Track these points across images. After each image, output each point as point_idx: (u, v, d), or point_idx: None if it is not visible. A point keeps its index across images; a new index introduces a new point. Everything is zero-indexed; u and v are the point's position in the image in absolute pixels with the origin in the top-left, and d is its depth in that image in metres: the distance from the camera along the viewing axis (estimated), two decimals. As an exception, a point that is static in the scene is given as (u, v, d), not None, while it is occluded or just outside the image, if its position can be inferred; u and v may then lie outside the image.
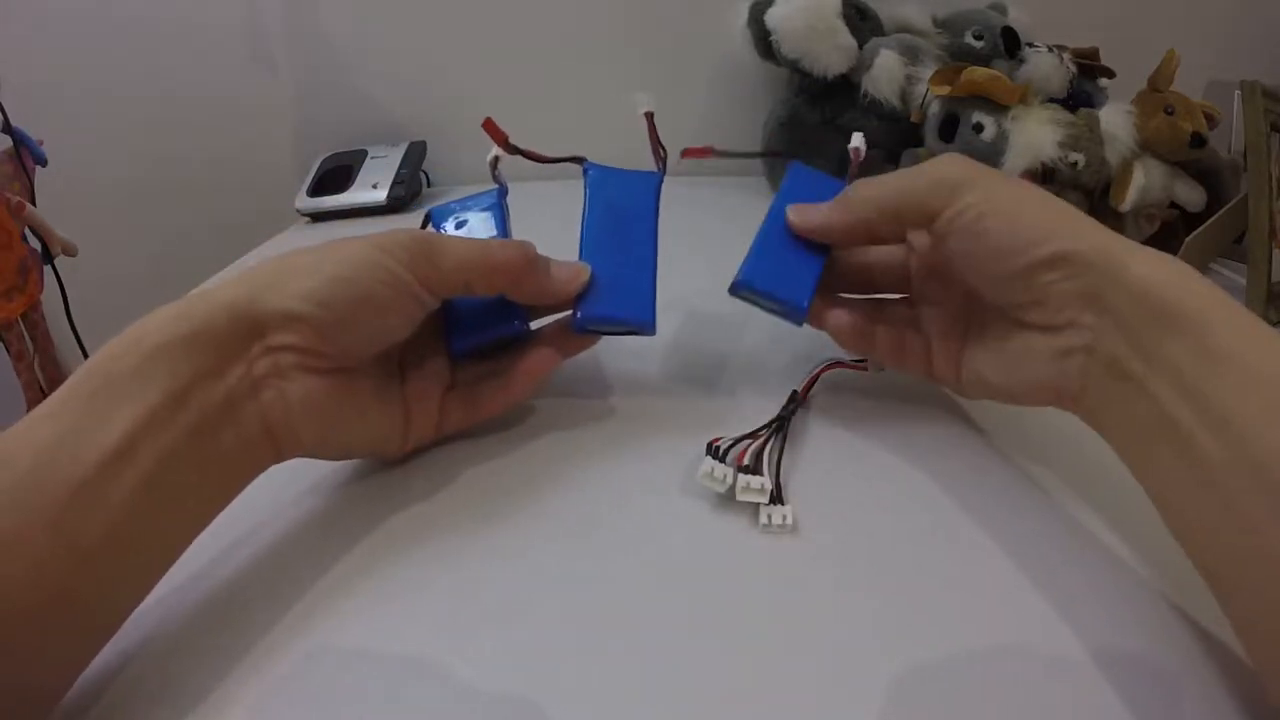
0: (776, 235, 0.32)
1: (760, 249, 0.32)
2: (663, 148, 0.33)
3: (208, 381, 0.23)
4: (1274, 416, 0.19)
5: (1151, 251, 0.24)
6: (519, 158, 0.33)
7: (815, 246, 0.32)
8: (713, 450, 0.28)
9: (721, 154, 0.32)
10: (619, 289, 0.31)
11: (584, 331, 0.31)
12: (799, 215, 0.31)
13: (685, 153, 0.32)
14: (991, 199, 0.26)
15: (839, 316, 0.31)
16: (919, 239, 0.32)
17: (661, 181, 0.33)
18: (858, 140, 0.34)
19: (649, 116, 0.33)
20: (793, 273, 0.31)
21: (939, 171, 0.28)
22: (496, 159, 0.32)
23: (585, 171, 0.33)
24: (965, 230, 0.27)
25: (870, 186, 0.30)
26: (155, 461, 0.21)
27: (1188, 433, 0.21)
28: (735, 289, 0.32)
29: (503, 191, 0.34)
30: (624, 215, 0.32)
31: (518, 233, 0.33)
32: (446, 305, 0.32)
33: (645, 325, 0.31)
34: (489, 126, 0.31)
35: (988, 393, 0.30)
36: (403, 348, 0.30)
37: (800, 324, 0.32)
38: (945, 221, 0.27)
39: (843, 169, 0.35)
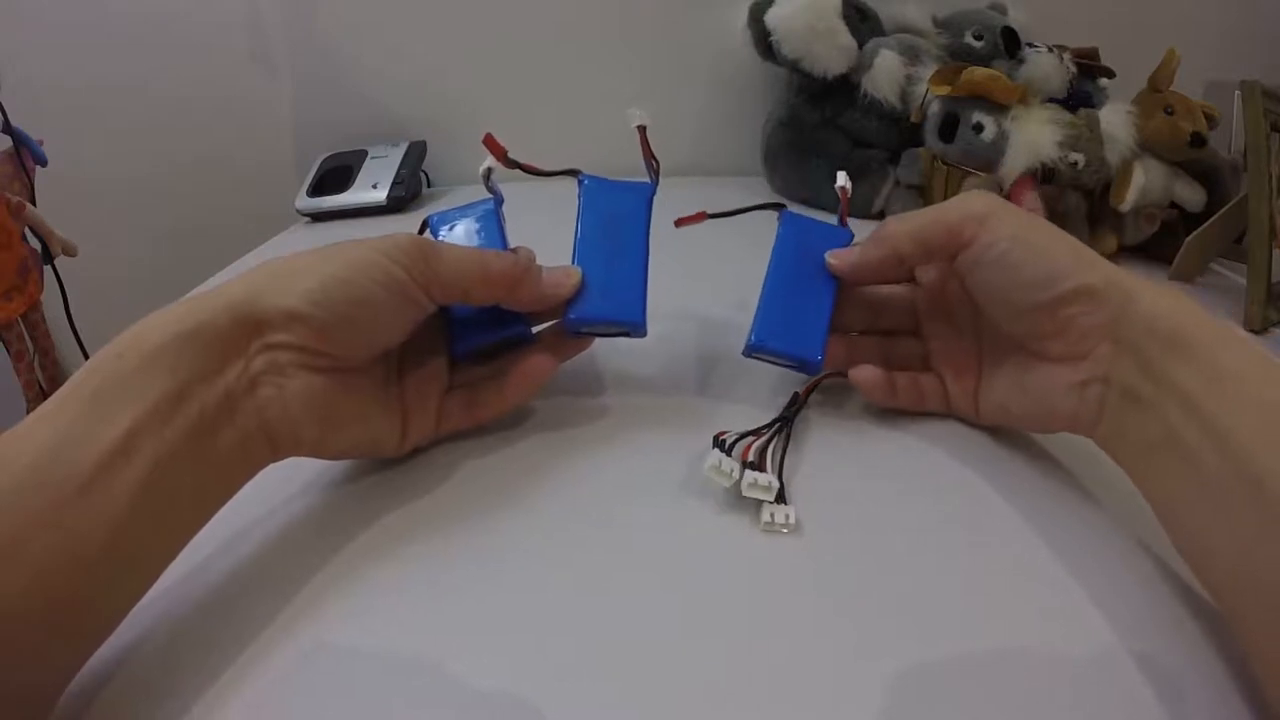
0: (780, 290, 0.32)
1: (767, 307, 0.32)
2: (655, 159, 0.34)
3: (207, 380, 0.23)
4: (1269, 436, 0.21)
5: (1153, 284, 0.25)
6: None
7: (821, 295, 0.32)
8: (719, 443, 0.28)
9: (715, 215, 0.33)
10: (610, 290, 0.31)
11: (575, 332, 0.32)
12: (836, 259, 0.32)
13: (679, 222, 0.33)
14: (1017, 233, 0.28)
15: (865, 373, 0.32)
16: (926, 275, 0.33)
17: (654, 192, 0.34)
18: (843, 179, 0.35)
19: (642, 130, 0.33)
20: (803, 327, 0.32)
21: (969, 205, 0.29)
22: (490, 170, 0.33)
23: (580, 182, 0.34)
24: (996, 262, 0.28)
25: (903, 221, 0.31)
26: (154, 461, 0.21)
27: (1192, 449, 0.22)
28: (749, 351, 0.32)
29: (499, 200, 0.34)
30: (617, 223, 0.33)
31: (513, 233, 0.33)
32: (448, 308, 0.32)
33: (635, 325, 0.31)
34: (489, 142, 0.32)
35: (1008, 422, 0.31)
36: (401, 350, 0.31)
37: (816, 374, 0.32)
38: (976, 252, 0.28)
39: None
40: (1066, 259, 0.27)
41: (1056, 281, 0.26)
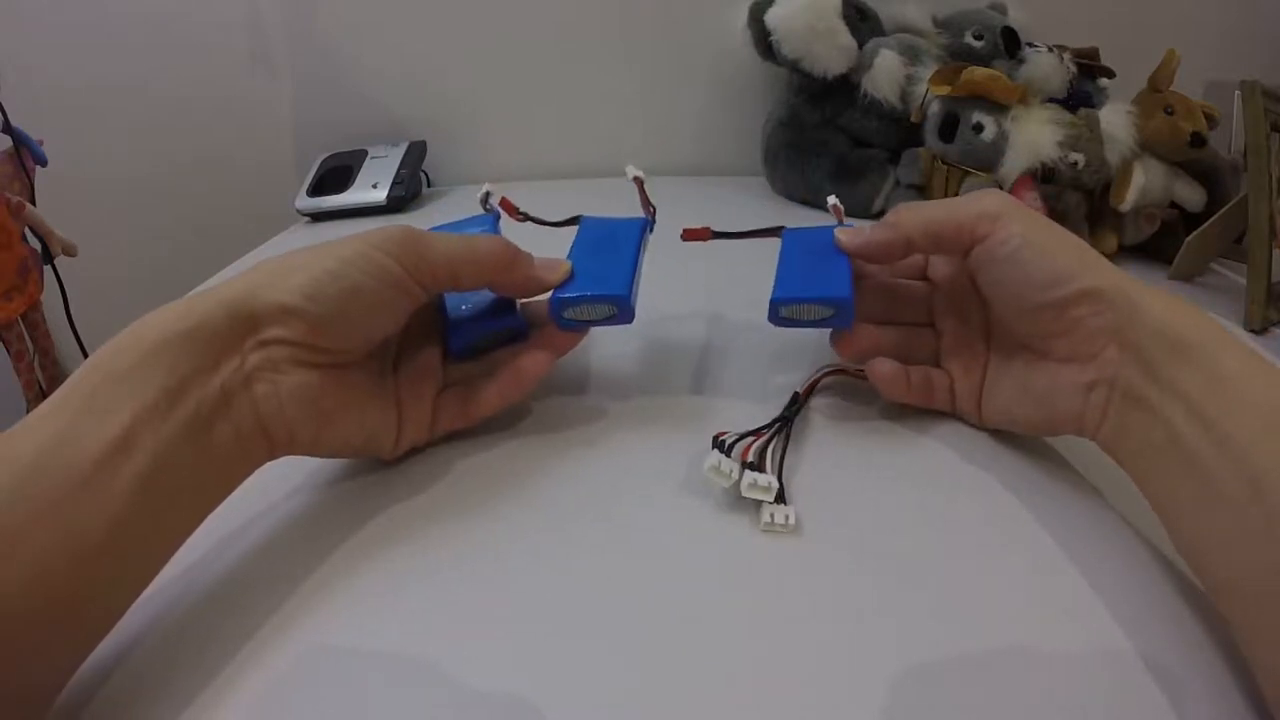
0: (795, 261, 0.33)
1: (785, 272, 0.32)
2: (651, 205, 0.35)
3: (204, 376, 0.23)
4: (1269, 437, 0.21)
5: (1159, 290, 0.26)
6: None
7: (836, 262, 0.32)
8: (718, 444, 0.28)
9: (719, 235, 0.34)
10: (595, 275, 0.31)
11: (561, 318, 0.31)
12: (847, 236, 0.32)
13: (685, 234, 0.34)
14: (1029, 232, 0.28)
15: (883, 367, 0.32)
16: (939, 271, 0.34)
17: (647, 226, 0.35)
18: (834, 200, 0.36)
19: (639, 181, 0.35)
20: (826, 278, 0.31)
21: (982, 202, 0.29)
22: (487, 194, 0.35)
23: (580, 220, 0.35)
24: (1007, 259, 0.28)
25: (916, 209, 0.31)
26: (153, 456, 0.21)
27: (1194, 451, 0.22)
28: (775, 307, 0.31)
29: (496, 216, 0.35)
30: (609, 240, 0.34)
31: None
32: (443, 306, 0.32)
33: (618, 298, 0.30)
34: (504, 204, 0.35)
35: (1011, 425, 0.31)
36: (397, 348, 0.31)
37: (849, 324, 0.31)
38: (988, 249, 0.28)
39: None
40: (1074, 261, 0.27)
41: (1065, 282, 0.27)
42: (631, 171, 0.35)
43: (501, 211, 0.35)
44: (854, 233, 0.32)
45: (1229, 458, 0.21)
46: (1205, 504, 0.22)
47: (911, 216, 0.30)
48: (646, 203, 0.35)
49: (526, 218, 0.34)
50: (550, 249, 0.33)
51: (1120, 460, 0.26)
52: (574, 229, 0.35)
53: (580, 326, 0.32)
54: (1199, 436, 0.22)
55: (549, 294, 0.31)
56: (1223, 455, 0.21)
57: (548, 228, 0.35)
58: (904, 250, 0.31)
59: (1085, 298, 0.26)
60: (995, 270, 0.29)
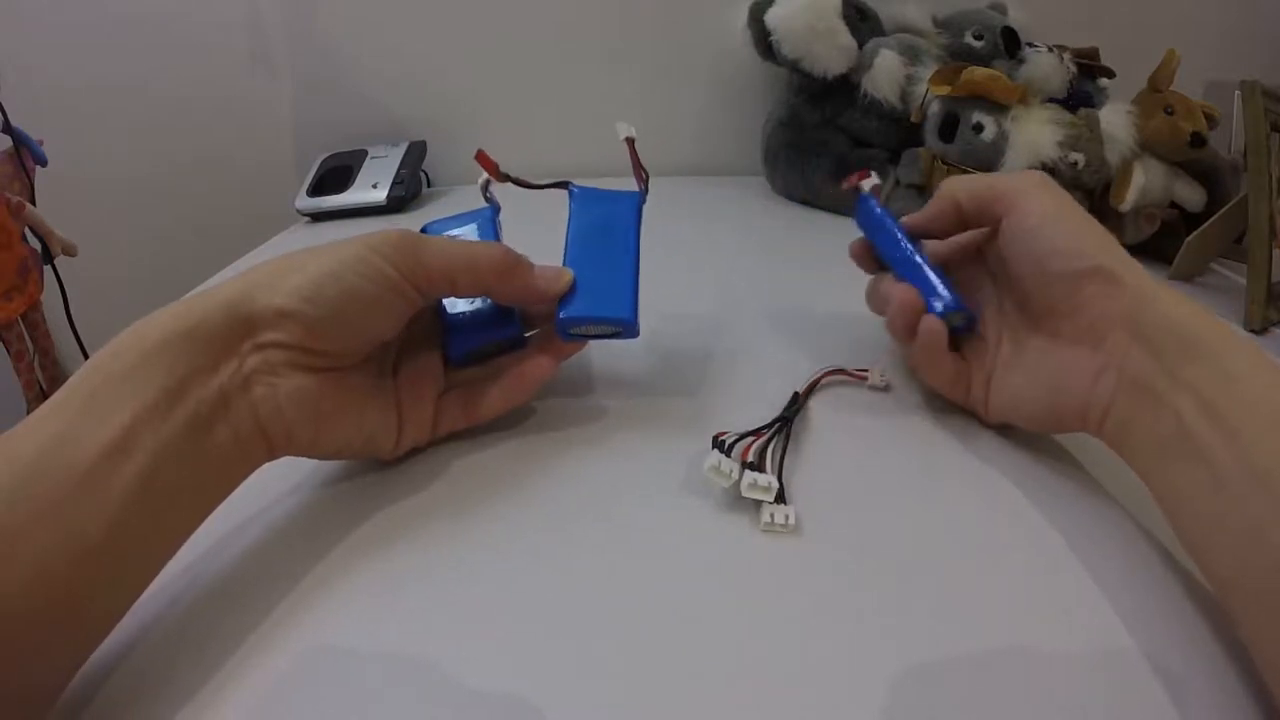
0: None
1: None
2: (644, 170, 0.34)
3: (203, 377, 0.23)
4: (1276, 432, 0.21)
5: (1173, 289, 0.26)
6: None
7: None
8: (718, 444, 0.28)
9: (510, 179, 0.33)
10: (599, 291, 0.31)
11: (566, 334, 0.31)
12: (907, 219, 0.34)
13: (479, 158, 0.32)
14: (1059, 208, 0.30)
15: (931, 320, 0.31)
16: (958, 263, 0.34)
17: (642, 200, 0.34)
18: (874, 179, 0.36)
19: (630, 142, 0.34)
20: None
21: (1024, 177, 0.31)
22: (487, 182, 0.34)
23: (570, 192, 0.34)
24: (1031, 231, 0.30)
25: (962, 180, 0.33)
26: (152, 456, 0.21)
27: (1203, 444, 0.23)
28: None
29: (495, 209, 0.34)
30: (606, 230, 0.33)
31: (509, 242, 0.33)
32: (444, 313, 0.32)
33: (625, 323, 0.31)
34: (481, 158, 0.33)
35: (1016, 416, 0.31)
36: (398, 351, 0.31)
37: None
38: (1017, 219, 0.30)
39: (841, 168, 0.35)
40: (1094, 242, 0.28)
41: (1081, 256, 0.28)
42: (622, 131, 0.34)
43: (492, 181, 0.34)
44: (911, 216, 0.34)
45: (1237, 451, 0.22)
46: (1213, 497, 0.22)
47: (958, 183, 0.32)
48: (639, 167, 0.34)
49: (507, 178, 0.33)
50: (544, 225, 0.32)
51: (1125, 454, 0.26)
52: (562, 194, 0.34)
53: (585, 340, 0.32)
54: (1208, 429, 0.23)
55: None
56: (1231, 449, 0.22)
57: (542, 214, 0.34)
58: (954, 213, 0.32)
59: (1099, 275, 0.27)
60: (1020, 242, 0.30)
